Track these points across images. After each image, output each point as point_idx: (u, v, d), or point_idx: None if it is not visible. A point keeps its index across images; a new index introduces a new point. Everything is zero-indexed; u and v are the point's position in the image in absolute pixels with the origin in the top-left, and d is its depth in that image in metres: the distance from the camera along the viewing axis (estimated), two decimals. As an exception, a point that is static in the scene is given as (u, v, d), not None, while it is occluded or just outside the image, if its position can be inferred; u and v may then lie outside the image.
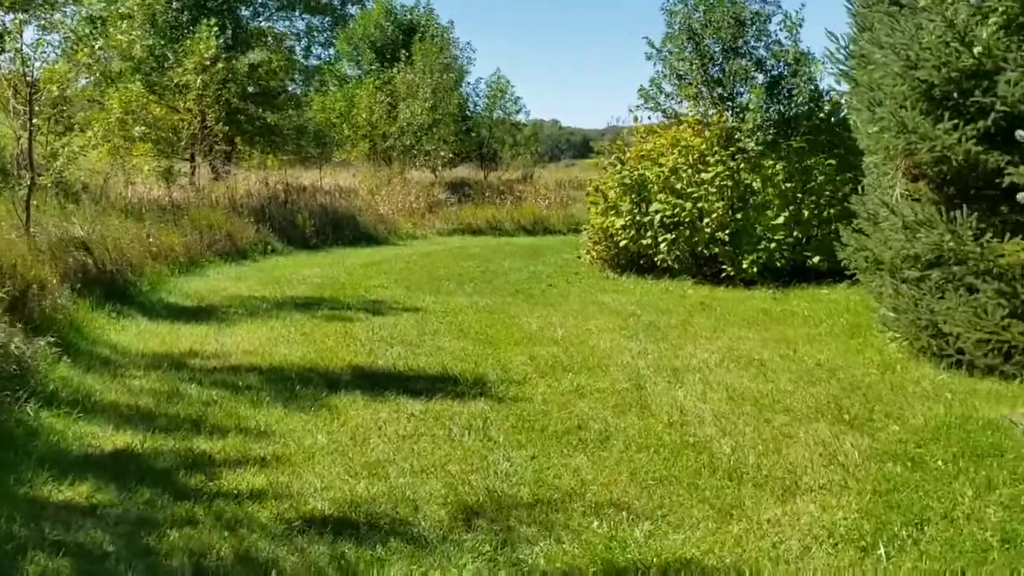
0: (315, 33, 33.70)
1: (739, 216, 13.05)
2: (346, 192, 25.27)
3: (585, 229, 15.21)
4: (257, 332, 9.47)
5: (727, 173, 13.08)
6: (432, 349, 8.71)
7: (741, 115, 13.29)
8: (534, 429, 6.09)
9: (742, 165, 13.10)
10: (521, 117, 38.29)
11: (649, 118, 14.42)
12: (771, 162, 12.88)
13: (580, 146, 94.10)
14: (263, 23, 30.73)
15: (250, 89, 26.79)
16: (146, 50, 26.02)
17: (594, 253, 14.78)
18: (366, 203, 23.53)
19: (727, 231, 12.98)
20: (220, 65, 23.80)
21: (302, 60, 32.02)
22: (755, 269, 12.71)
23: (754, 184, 13.02)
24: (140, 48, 26.24)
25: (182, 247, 14.81)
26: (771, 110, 12.89)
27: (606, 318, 10.40)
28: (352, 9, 35.07)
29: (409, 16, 38.09)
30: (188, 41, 24.68)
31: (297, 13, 32.28)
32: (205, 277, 13.79)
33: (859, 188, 13.03)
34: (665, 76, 13.85)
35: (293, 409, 6.53)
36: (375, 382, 7.34)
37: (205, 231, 16.09)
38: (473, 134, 36.41)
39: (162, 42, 26.44)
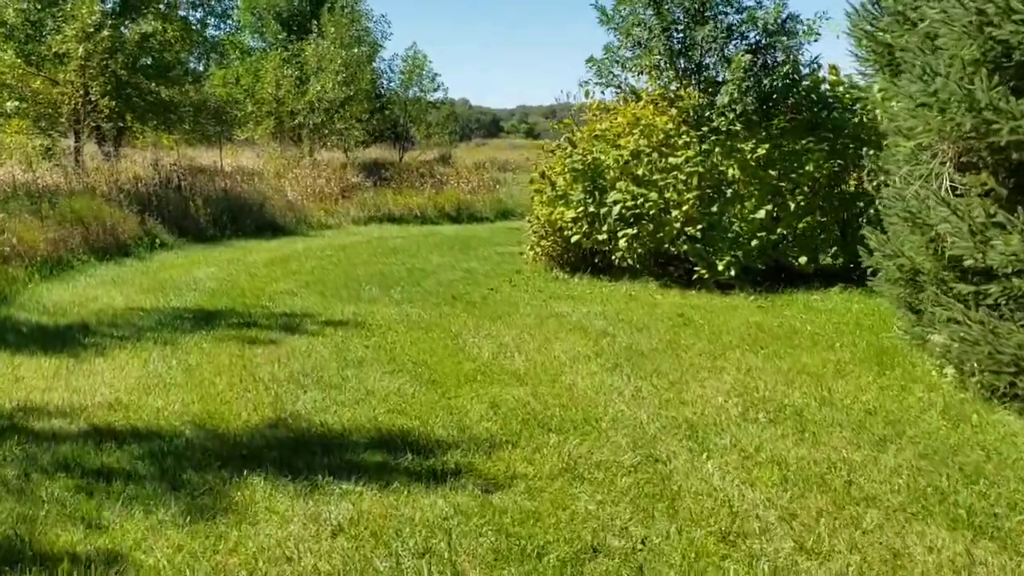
0: (212, 1, 30.72)
1: (713, 209, 11.16)
2: (249, 175, 22.73)
3: (529, 221, 13.16)
4: (127, 368, 7.21)
5: (698, 158, 11.17)
6: (359, 393, 6.58)
7: (712, 90, 11.39)
8: (526, 555, 4.03)
9: (716, 149, 11.20)
10: (439, 95, 36.06)
11: (603, 93, 12.42)
12: (750, 145, 11.00)
13: (490, 125, 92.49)
14: (155, -12, 27.73)
15: (143, 61, 24.02)
16: (20, 15, 23.20)
17: (539, 249, 12.74)
18: (272, 187, 21.05)
19: (698, 226, 11.08)
20: (106, 33, 21.08)
21: (199, 31, 29.08)
22: (732, 271, 10.85)
23: (730, 171, 11.14)
24: (13, 12, 23.41)
25: (47, 244, 12.36)
26: (745, 84, 10.97)
27: (572, 338, 8.40)
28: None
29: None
30: (68, 5, 21.87)
31: (193, -23, 29.30)
32: (74, 282, 11.35)
33: (866, 178, 11.36)
34: (621, 44, 11.84)
35: (160, 520, 4.36)
36: (282, 457, 5.20)
37: (79, 223, 13.59)
38: (387, 112, 34.08)
39: (38, 6, 23.46)
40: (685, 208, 11.08)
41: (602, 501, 4.61)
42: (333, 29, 28.42)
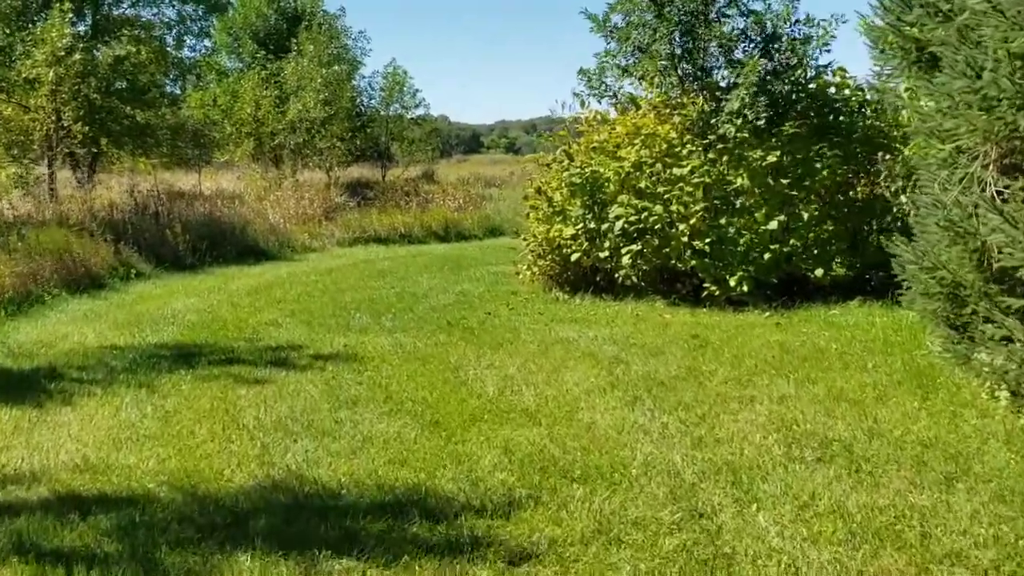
0: (188, 22, 30.05)
1: (722, 221, 10.54)
2: (230, 198, 22.05)
3: (524, 239, 12.51)
4: (96, 418, 6.51)
5: (704, 168, 10.57)
6: (355, 441, 5.91)
7: (718, 95, 10.78)
8: (569, 649, 3.39)
9: (724, 158, 10.59)
10: (420, 111, 35.39)
11: (599, 102, 11.80)
12: (760, 153, 10.40)
13: (470, 141, 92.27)
14: (128, 11, 27.08)
15: (118, 85, 23.33)
16: (-13, 40, 22.57)
17: (536, 269, 12.10)
18: (254, 210, 20.34)
19: (706, 240, 10.46)
20: (77, 56, 20.36)
21: (175, 52, 28.42)
22: (744, 287, 10.23)
23: (738, 181, 10.53)
24: (-20, 39, 22.71)
25: (15, 279, 11.63)
26: (754, 89, 10.33)
27: (583, 367, 7.74)
28: (229, -7, 31.57)
29: (294, 3, 34.85)
30: (38, 29, 21.18)
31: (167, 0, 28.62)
32: (43, 319, 10.64)
33: (883, 184, 10.80)
34: (620, 50, 11.20)
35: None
36: (272, 526, 4.52)
37: (49, 255, 12.85)
38: (369, 130, 33.42)
39: (7, 31, 22.81)
40: (692, 221, 10.47)
41: (648, 572, 3.95)
42: (312, 47, 27.81)
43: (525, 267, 12.34)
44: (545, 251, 11.84)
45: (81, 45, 20.82)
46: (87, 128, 20.95)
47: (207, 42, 31.58)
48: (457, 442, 5.83)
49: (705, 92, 10.93)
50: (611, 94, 11.68)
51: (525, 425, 6.15)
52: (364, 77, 34.70)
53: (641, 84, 11.44)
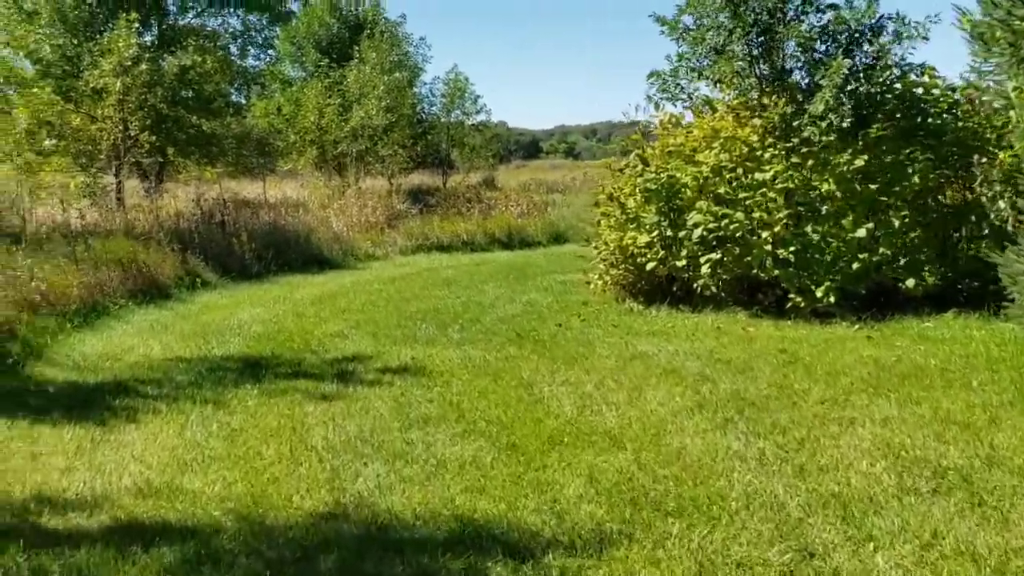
0: (252, 32, 30.18)
1: (807, 228, 10.02)
2: (294, 206, 21.97)
3: (595, 246, 12.09)
4: (160, 437, 6.28)
5: (788, 173, 10.07)
6: (428, 465, 5.57)
7: (800, 98, 10.28)
8: None
9: (809, 162, 10.08)
10: (481, 117, 35.17)
11: (674, 106, 11.34)
12: (846, 157, 9.87)
13: (529, 147, 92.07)
14: (193, 21, 27.28)
15: (184, 94, 23.43)
16: (56, 50, 22.82)
17: (608, 278, 11.68)
18: (317, 219, 20.22)
19: (791, 248, 9.95)
20: (144, 66, 20.41)
21: (239, 61, 28.56)
22: (831, 298, 9.71)
23: (824, 186, 10.01)
24: (49, 48, 22.95)
25: (82, 289, 11.54)
26: (839, 91, 9.80)
27: (665, 385, 7.32)
28: (294, 5, 31.61)
29: (356, 11, 34.84)
30: (105, 39, 21.30)
31: (231, 10, 28.74)
32: (109, 330, 10.51)
33: (980, 189, 10.21)
34: (695, 52, 10.75)
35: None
36: (344, 561, 4.19)
37: (116, 265, 12.76)
38: (429, 137, 33.30)
39: (75, 41, 23.05)
40: (776, 229, 9.96)
41: (762, 626, 3.55)
42: (374, 54, 27.74)
43: (596, 276, 11.92)
44: (618, 260, 11.41)
45: (147, 55, 20.90)
46: (154, 137, 21.02)
47: (271, 51, 31.75)
48: (537, 468, 5.46)
49: (785, 93, 10.43)
50: (685, 96, 11.22)
51: (609, 450, 5.76)
52: (425, 84, 34.66)
53: (717, 87, 10.97)
